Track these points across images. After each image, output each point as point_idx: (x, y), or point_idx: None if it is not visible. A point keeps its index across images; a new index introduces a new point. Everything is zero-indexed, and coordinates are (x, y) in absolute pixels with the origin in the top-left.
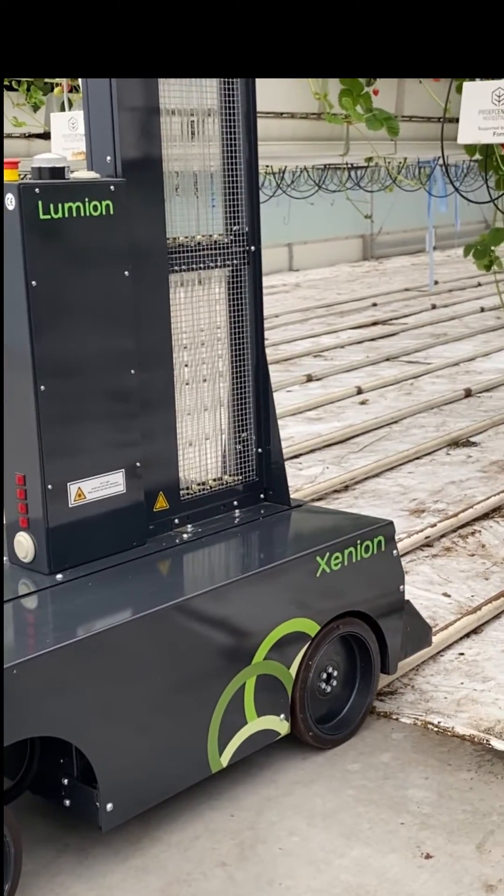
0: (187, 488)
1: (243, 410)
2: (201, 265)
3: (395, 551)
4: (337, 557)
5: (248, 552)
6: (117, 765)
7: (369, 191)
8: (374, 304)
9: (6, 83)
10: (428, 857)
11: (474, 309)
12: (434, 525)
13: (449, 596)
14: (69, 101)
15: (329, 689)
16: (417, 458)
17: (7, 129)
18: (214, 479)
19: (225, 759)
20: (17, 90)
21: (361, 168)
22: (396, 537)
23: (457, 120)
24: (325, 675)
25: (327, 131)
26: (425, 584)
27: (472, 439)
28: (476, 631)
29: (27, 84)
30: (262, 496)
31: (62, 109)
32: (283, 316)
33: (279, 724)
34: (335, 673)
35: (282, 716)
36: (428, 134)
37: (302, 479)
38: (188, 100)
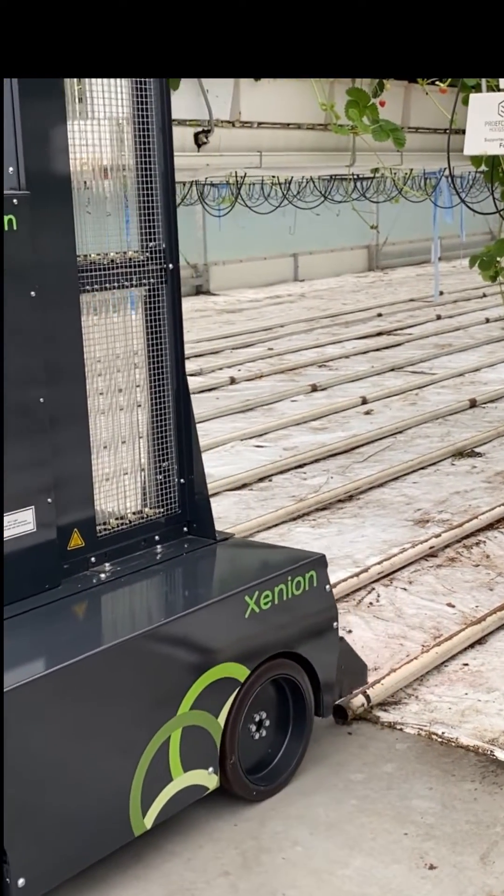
0: (104, 524)
1: (164, 439)
2: (115, 284)
3: (327, 586)
4: (267, 596)
5: (171, 593)
6: (29, 834)
7: (375, 201)
8: (379, 315)
9: None
10: (431, 867)
11: (479, 320)
12: (438, 535)
13: (453, 606)
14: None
15: (260, 736)
16: (422, 469)
17: None
18: (134, 513)
19: (149, 821)
20: None
21: (367, 179)
22: (400, 547)
23: (463, 131)
24: (256, 722)
25: (333, 142)
26: (429, 595)
27: (477, 450)
28: (480, 641)
29: None
30: (185, 529)
31: None
32: (288, 326)
33: (207, 779)
34: (267, 719)
35: (210, 769)
36: (434, 145)
37: (306, 488)
38: (99, 107)
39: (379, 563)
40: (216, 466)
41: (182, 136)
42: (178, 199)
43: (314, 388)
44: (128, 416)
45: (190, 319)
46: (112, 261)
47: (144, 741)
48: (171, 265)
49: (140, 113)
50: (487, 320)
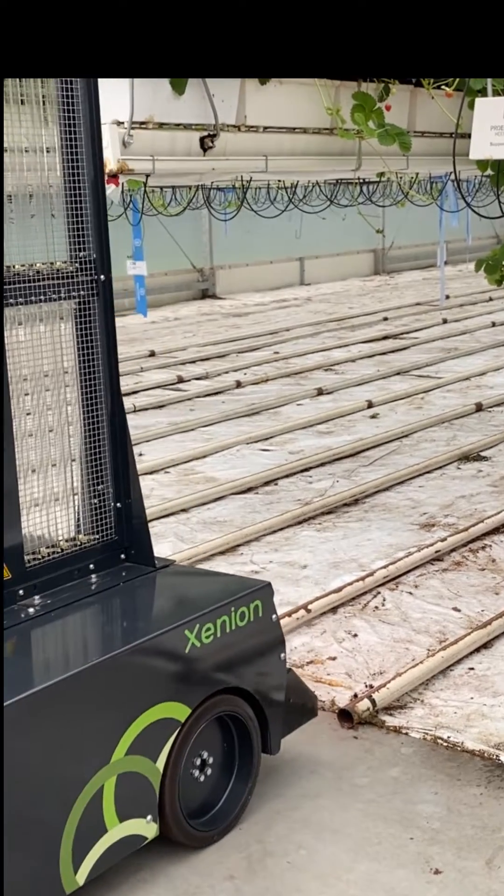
0: (34, 553)
1: (98, 461)
2: (42, 297)
3: (273, 616)
4: (208, 629)
5: (105, 628)
6: None
7: (381, 206)
8: (386, 319)
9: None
10: (437, 872)
11: (485, 323)
12: (444, 539)
13: (459, 610)
14: None
15: (204, 777)
16: (428, 473)
17: None
18: (67, 541)
19: (81, 877)
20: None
21: (373, 183)
22: (405, 551)
23: (469, 136)
24: (199, 763)
25: (339, 146)
26: (435, 599)
27: (483, 454)
28: (486, 646)
29: None
30: (123, 556)
31: None
32: (294, 329)
33: (145, 828)
34: (210, 759)
35: (148, 817)
36: (440, 149)
37: (312, 492)
38: (24, 109)
39: (384, 567)
40: (222, 470)
41: (188, 141)
42: (185, 204)
43: (320, 392)
44: (58, 438)
45: (196, 323)
46: (38, 272)
47: (75, 792)
48: (102, 276)
49: (67, 115)
50: (494, 324)
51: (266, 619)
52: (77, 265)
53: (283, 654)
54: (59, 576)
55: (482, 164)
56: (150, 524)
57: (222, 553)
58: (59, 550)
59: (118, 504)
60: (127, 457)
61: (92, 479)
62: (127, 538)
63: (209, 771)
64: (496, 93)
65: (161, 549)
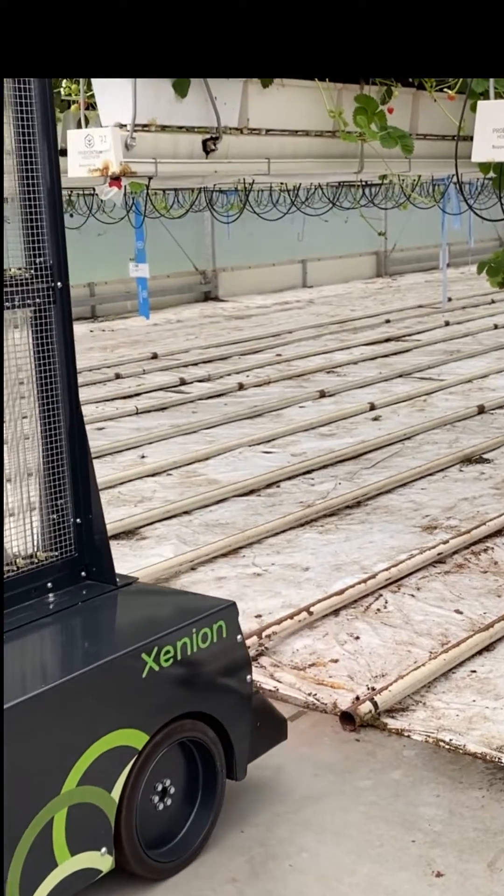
0: None
1: (57, 475)
2: None
3: (239, 636)
4: (168, 652)
5: (59, 651)
6: None
7: (383, 208)
8: (388, 321)
9: None
10: (439, 875)
11: (488, 326)
12: (446, 542)
13: (461, 613)
14: (85, 118)
15: (164, 806)
16: (430, 475)
17: None
18: (24, 558)
19: None
20: None
21: (375, 185)
22: (407, 554)
23: (471, 138)
24: (159, 791)
25: (342, 149)
26: (437, 601)
27: (485, 456)
28: (488, 648)
29: None
30: (83, 574)
31: (78, 126)
32: (296, 332)
33: (99, 861)
34: (172, 787)
35: (102, 850)
36: (442, 152)
37: (314, 494)
38: None
39: (387, 569)
40: (224, 472)
41: (190, 144)
42: (188, 206)
43: (322, 395)
44: (14, 452)
45: (199, 325)
46: None
47: (22, 826)
48: (59, 283)
49: (21, 118)
50: (496, 326)
51: (230, 641)
52: (33, 271)
53: (249, 677)
54: (16, 595)
55: (484, 167)
56: (152, 526)
57: (224, 555)
58: (16, 568)
59: (78, 520)
60: (87, 471)
61: (50, 494)
62: (87, 555)
63: (170, 799)
64: (499, 95)
65: (163, 550)
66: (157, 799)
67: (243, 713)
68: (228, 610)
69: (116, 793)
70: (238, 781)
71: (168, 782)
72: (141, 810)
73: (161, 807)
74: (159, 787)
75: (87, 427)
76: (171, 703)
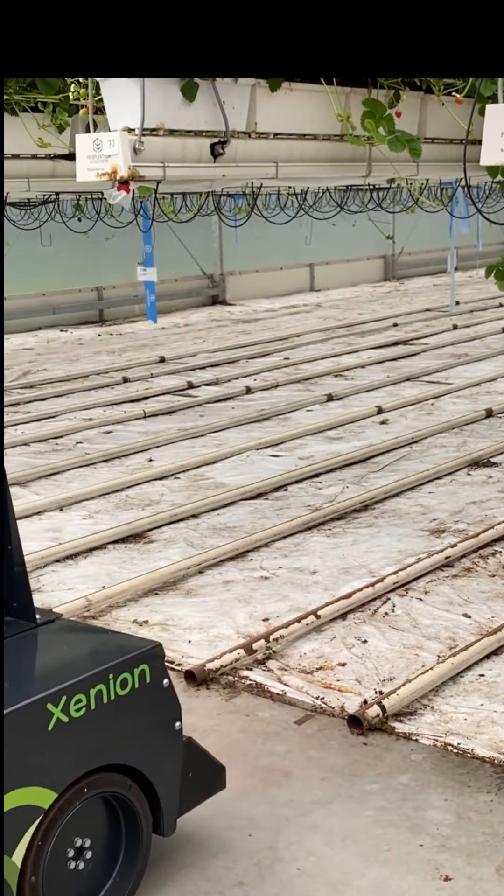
0: None
1: None
2: None
3: (165, 681)
4: (79, 701)
5: None
6: None
7: (391, 212)
8: (395, 325)
9: (31, 104)
10: (447, 879)
11: (495, 329)
12: (454, 545)
13: (469, 616)
14: (94, 122)
15: (80, 866)
16: (438, 478)
17: (32, 149)
18: None
19: None
20: (42, 111)
21: (383, 189)
22: (415, 557)
23: (479, 142)
24: (73, 851)
25: (350, 153)
26: (445, 605)
27: (493, 459)
28: (496, 652)
29: (52, 105)
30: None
31: (87, 131)
32: (304, 335)
33: None
34: (89, 845)
35: None
36: (450, 156)
37: (322, 498)
38: None
39: (394, 572)
40: (232, 476)
41: (198, 147)
42: (196, 210)
43: (330, 398)
44: None
45: (206, 329)
46: None
47: None
48: None
49: None
50: None
51: (155, 686)
52: None
53: (178, 724)
54: None
55: (493, 170)
56: (160, 529)
57: (232, 559)
58: None
59: None
60: (4, 499)
61: None
62: (7, 590)
63: (88, 858)
64: None
65: (171, 554)
66: (71, 859)
67: (171, 764)
68: (152, 652)
69: (18, 857)
70: (165, 838)
71: (84, 841)
72: (49, 873)
73: (75, 867)
74: (74, 847)
75: (96, 430)
76: (84, 757)
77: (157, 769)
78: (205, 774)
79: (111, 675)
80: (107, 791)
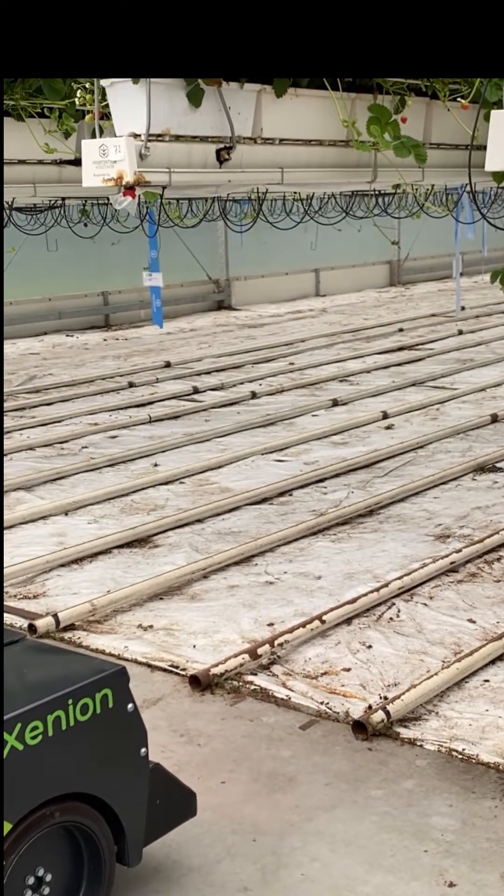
0: None
1: None
2: None
3: (130, 705)
4: (35, 728)
5: None
6: None
7: (396, 217)
8: (401, 330)
9: (37, 109)
10: (451, 885)
11: (501, 335)
12: (459, 550)
13: (474, 622)
14: (100, 127)
15: None
16: (443, 484)
17: (38, 155)
18: None
19: None
20: (48, 117)
21: (389, 195)
22: (420, 562)
23: (484, 147)
24: (32, 881)
25: (355, 158)
26: (450, 610)
27: (499, 465)
28: (502, 657)
29: (59, 111)
30: None
31: (93, 136)
32: (309, 341)
33: None
34: (49, 877)
35: None
36: (455, 161)
37: (327, 503)
38: None
39: (399, 578)
40: (237, 480)
41: (204, 153)
42: (201, 216)
43: (335, 403)
44: None
45: (212, 334)
46: None
47: None
48: None
49: None
50: None
51: (118, 711)
52: None
53: (143, 750)
54: None
55: (498, 176)
56: (165, 534)
57: (236, 563)
58: None
59: None
60: None
61: None
62: None
63: (47, 890)
64: None
65: (175, 558)
66: (29, 891)
67: (136, 792)
68: (115, 676)
69: None
70: (130, 868)
71: (43, 871)
72: None
73: None
74: (33, 878)
75: (102, 435)
76: (41, 786)
77: (121, 797)
78: (174, 802)
79: (70, 701)
80: (66, 821)
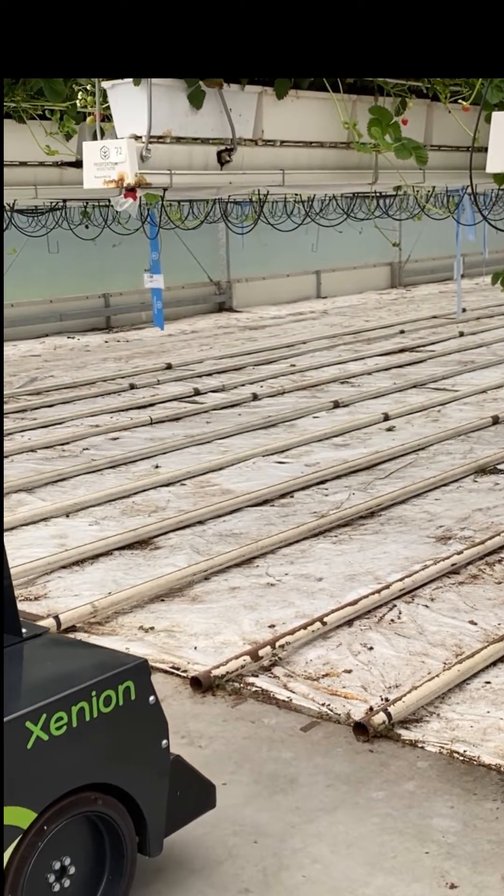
0: None
1: None
2: None
3: (151, 697)
4: (60, 719)
5: None
6: None
7: (397, 219)
8: (402, 332)
9: (38, 111)
10: (453, 887)
11: (502, 336)
12: (461, 552)
13: (475, 624)
14: (101, 129)
15: (62, 886)
16: (444, 485)
17: (40, 157)
18: None
19: None
20: (49, 119)
21: (390, 197)
22: (421, 564)
23: (485, 149)
24: (56, 871)
25: (356, 160)
26: (451, 612)
27: (500, 466)
28: (503, 659)
29: (60, 113)
30: None
31: (94, 138)
32: (310, 342)
33: None
34: (72, 865)
35: None
36: (456, 163)
37: (328, 504)
38: None
39: (400, 579)
40: (238, 482)
41: (205, 155)
42: (202, 217)
43: (336, 405)
44: None
45: (213, 336)
46: None
47: None
48: None
49: None
50: None
51: (140, 703)
52: None
53: (164, 742)
54: None
55: (499, 178)
56: (166, 536)
57: (238, 565)
58: None
59: None
60: None
61: None
62: None
63: (70, 878)
64: None
65: (177, 560)
66: (52, 879)
67: (157, 783)
68: (137, 669)
69: None
70: (151, 857)
71: (67, 860)
72: (29, 894)
73: (58, 888)
74: (56, 867)
75: (103, 437)
76: (65, 776)
77: (143, 788)
78: (194, 793)
79: (94, 693)
80: (89, 811)
